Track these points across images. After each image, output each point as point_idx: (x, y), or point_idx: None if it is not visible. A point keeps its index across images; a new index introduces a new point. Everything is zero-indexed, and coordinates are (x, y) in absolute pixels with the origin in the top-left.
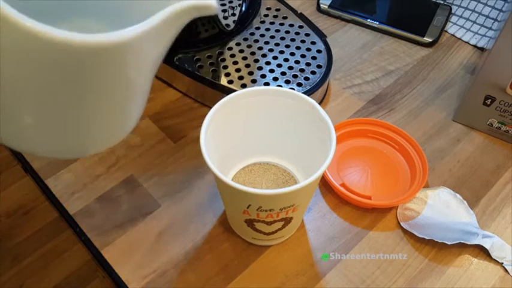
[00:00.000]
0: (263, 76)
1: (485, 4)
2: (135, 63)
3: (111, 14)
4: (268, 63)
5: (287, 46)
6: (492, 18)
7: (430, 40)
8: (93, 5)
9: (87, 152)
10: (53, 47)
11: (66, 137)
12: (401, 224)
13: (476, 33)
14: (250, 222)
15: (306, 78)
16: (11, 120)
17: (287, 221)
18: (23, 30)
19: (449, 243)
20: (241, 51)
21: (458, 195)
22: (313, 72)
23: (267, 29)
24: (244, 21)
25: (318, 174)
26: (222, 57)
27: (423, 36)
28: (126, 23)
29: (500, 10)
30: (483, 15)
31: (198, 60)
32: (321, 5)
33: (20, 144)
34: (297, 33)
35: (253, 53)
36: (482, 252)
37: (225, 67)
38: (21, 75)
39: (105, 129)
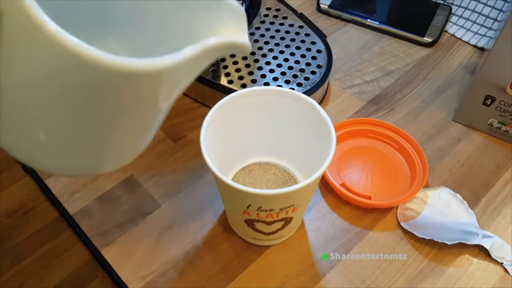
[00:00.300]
0: (263, 76)
1: (485, 4)
2: (166, 91)
3: (131, 35)
4: (268, 63)
5: (287, 46)
6: (492, 18)
7: (430, 40)
8: (111, 24)
9: (98, 171)
10: (92, 68)
11: (80, 155)
12: (401, 224)
13: (476, 33)
14: (250, 222)
15: (306, 78)
16: (26, 134)
17: (287, 221)
18: (65, 48)
19: (449, 243)
20: None
21: (458, 195)
22: (313, 72)
23: (267, 29)
24: None
25: (318, 174)
26: (221, 57)
27: (423, 36)
28: (144, 44)
29: (500, 10)
30: (483, 15)
31: None
32: (321, 5)
33: (31, 159)
34: (297, 33)
35: (253, 53)
36: (482, 252)
37: (225, 67)
38: (47, 90)
39: (121, 150)
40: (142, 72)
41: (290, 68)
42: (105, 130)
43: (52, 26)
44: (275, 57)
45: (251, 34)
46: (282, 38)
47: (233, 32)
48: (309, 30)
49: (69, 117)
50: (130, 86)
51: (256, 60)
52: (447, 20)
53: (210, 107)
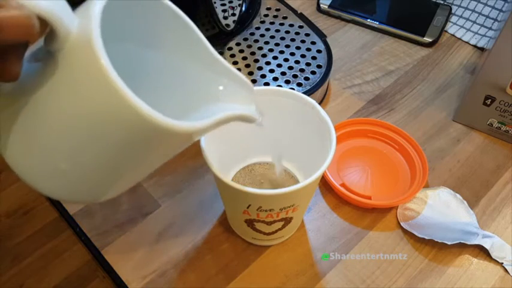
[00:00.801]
0: (263, 76)
1: (485, 4)
2: (182, 147)
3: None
4: (268, 63)
5: (287, 46)
6: (492, 18)
7: (430, 40)
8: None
9: (96, 201)
10: (149, 128)
11: (87, 188)
12: (401, 224)
13: (476, 33)
14: (250, 222)
15: (306, 78)
16: (46, 164)
17: (287, 221)
18: (135, 111)
19: (449, 243)
20: (241, 51)
21: (458, 195)
22: (313, 72)
23: (267, 29)
24: (244, 21)
25: (318, 174)
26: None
27: (423, 36)
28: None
29: (500, 10)
30: (483, 15)
31: None
32: (321, 5)
33: (38, 183)
34: (297, 33)
35: (253, 53)
36: (482, 252)
37: None
38: (89, 131)
39: (128, 185)
40: (184, 131)
41: (290, 68)
42: (119, 170)
43: (125, 88)
44: (275, 57)
45: (251, 34)
46: (282, 38)
47: (241, 101)
48: (309, 30)
49: (99, 155)
50: (168, 140)
51: (256, 60)
52: (447, 20)
53: None
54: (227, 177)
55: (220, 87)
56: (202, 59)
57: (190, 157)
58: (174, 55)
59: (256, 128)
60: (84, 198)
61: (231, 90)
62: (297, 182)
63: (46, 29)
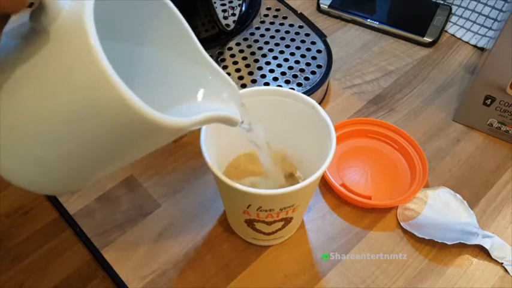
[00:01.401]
0: (263, 76)
1: (485, 4)
2: (166, 141)
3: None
4: (268, 63)
5: (287, 46)
6: (492, 18)
7: (430, 40)
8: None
9: (71, 191)
10: (139, 122)
11: (65, 179)
12: (401, 224)
13: (476, 33)
14: (250, 222)
15: (306, 78)
16: (22, 149)
17: (287, 221)
18: (128, 105)
19: (449, 243)
20: (241, 51)
21: (458, 195)
22: (313, 72)
23: (267, 29)
24: (244, 21)
25: (318, 174)
26: (222, 57)
27: (423, 36)
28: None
29: (500, 10)
30: (483, 15)
31: None
32: (321, 5)
33: (13, 173)
34: (297, 33)
35: (253, 53)
36: (482, 252)
37: (225, 67)
38: (73, 118)
39: (105, 175)
40: (174, 127)
41: (290, 68)
42: (100, 163)
43: (119, 81)
44: (275, 57)
45: (251, 34)
46: (282, 38)
47: (224, 102)
48: (309, 30)
49: (79, 140)
50: (155, 135)
51: (256, 60)
52: (447, 20)
53: None
54: (227, 177)
55: (204, 86)
56: (188, 54)
57: (190, 157)
58: (160, 49)
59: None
60: (60, 188)
61: (215, 90)
62: (297, 181)
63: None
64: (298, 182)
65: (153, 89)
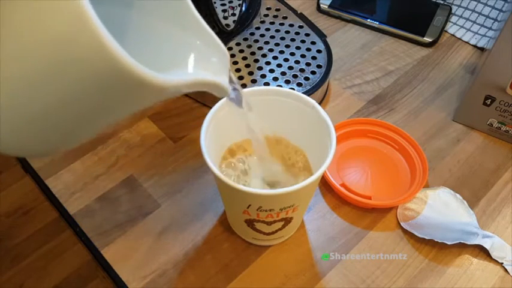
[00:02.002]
0: (263, 76)
1: (485, 4)
2: (151, 101)
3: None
4: (268, 63)
5: (287, 46)
6: (492, 18)
7: (430, 40)
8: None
9: (53, 152)
10: (126, 78)
11: (46, 138)
12: (401, 224)
13: (476, 33)
14: (250, 222)
15: (306, 78)
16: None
17: (287, 221)
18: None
19: (449, 243)
20: (241, 51)
21: (458, 195)
22: (313, 72)
23: (267, 29)
24: (244, 21)
25: (318, 174)
26: None
27: (423, 36)
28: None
29: (500, 10)
30: (483, 15)
31: None
32: (321, 5)
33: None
34: (297, 33)
35: (253, 53)
36: (482, 252)
37: None
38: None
39: (86, 136)
40: (160, 84)
41: (290, 68)
42: (85, 121)
43: (111, 39)
44: (275, 57)
45: (251, 34)
46: (282, 38)
47: (216, 70)
48: (309, 30)
49: (63, 98)
50: (141, 91)
51: (256, 60)
52: (447, 20)
53: (210, 107)
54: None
55: (195, 51)
56: (179, 18)
57: (190, 157)
58: (151, 13)
59: (256, 129)
60: (33, 146)
61: (206, 56)
62: (295, 178)
63: None
64: (298, 175)
65: (141, 58)
